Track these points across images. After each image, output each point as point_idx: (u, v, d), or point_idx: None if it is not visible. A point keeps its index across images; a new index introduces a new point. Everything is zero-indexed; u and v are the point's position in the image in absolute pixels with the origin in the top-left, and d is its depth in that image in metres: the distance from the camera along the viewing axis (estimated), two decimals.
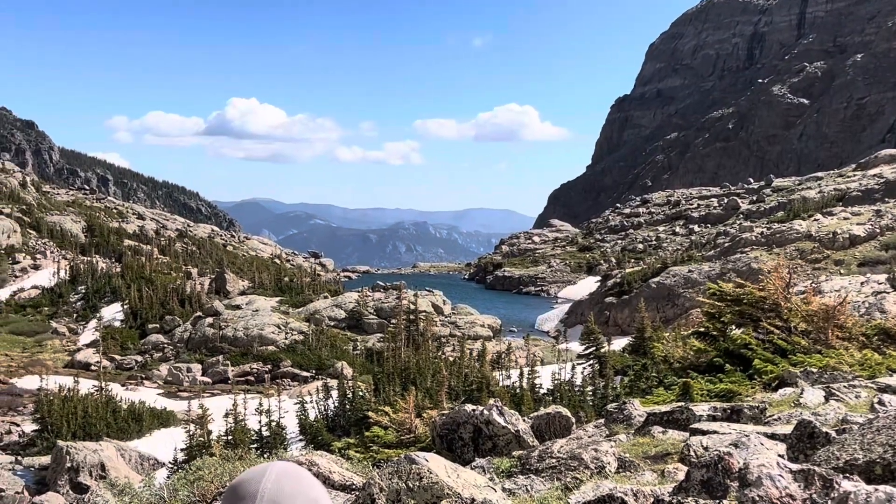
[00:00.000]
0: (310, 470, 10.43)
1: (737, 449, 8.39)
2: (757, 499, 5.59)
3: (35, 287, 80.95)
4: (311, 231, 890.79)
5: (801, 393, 13.26)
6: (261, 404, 35.77)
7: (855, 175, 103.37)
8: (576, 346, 53.63)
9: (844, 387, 13.31)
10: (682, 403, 13.98)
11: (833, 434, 7.87)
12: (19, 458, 36.19)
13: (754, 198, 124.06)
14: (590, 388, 33.14)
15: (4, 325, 68.63)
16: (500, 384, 35.84)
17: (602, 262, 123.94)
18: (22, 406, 46.48)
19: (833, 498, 5.38)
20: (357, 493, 9.36)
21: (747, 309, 21.72)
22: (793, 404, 12.54)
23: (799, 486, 5.57)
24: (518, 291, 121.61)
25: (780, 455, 7.85)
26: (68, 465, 31.36)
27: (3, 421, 42.80)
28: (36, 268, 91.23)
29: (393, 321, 59.22)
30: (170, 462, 33.47)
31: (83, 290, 77.79)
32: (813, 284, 47.59)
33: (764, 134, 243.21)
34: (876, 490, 5.11)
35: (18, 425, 41.77)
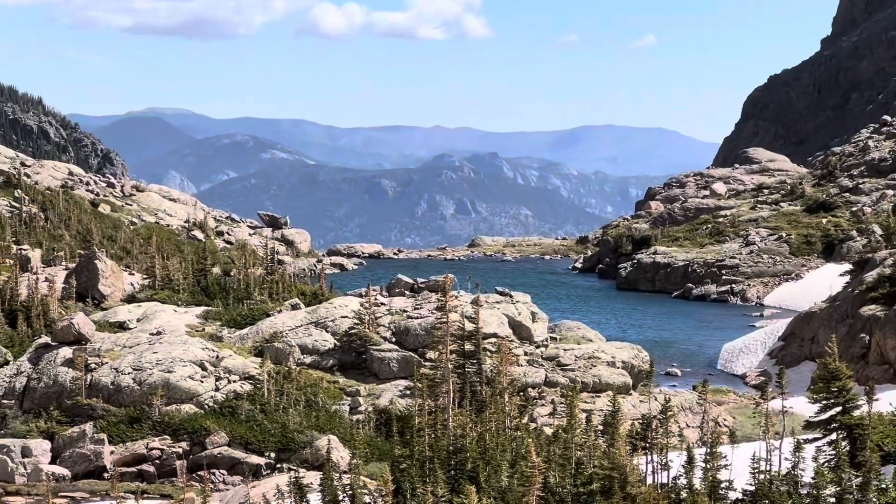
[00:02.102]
0: None
1: None
2: None
3: None
4: (266, 173, 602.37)
5: None
6: None
7: None
8: (801, 405, 40.54)
9: None
10: None
11: None
12: None
13: None
14: (831, 489, 27.39)
15: None
16: (649, 481, 29.93)
17: (854, 233, 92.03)
18: None
19: None
20: None
21: None
22: None
23: None
24: (684, 295, 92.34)
25: None
26: None
27: None
28: None
29: (431, 355, 45.37)
30: None
31: None
32: None
33: None
34: None
35: None
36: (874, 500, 26.64)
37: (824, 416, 33.37)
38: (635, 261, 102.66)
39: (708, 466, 28.63)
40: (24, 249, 68.79)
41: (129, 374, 47.05)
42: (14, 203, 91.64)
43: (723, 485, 28.56)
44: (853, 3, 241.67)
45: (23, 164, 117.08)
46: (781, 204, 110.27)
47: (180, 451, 43.92)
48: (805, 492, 27.92)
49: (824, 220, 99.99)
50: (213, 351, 49.31)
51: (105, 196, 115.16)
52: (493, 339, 47.26)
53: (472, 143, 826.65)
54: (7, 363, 49.03)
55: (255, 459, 43.20)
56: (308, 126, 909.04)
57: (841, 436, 31.73)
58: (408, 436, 33.38)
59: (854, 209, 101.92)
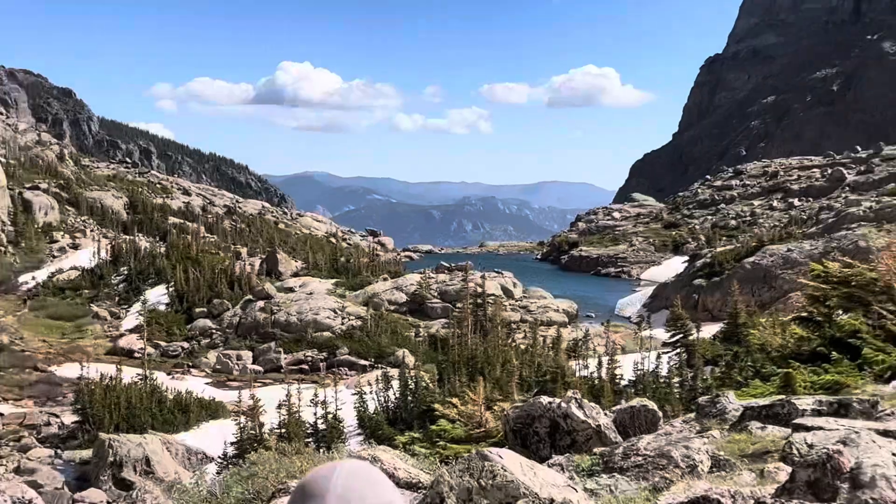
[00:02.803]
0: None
1: (846, 447, 8.24)
2: (871, 501, 5.53)
3: (74, 268, 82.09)
4: (369, 207, 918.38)
5: None
6: (316, 395, 35.21)
7: None
8: (661, 334, 52.50)
9: None
10: (783, 396, 13.72)
11: None
12: (59, 451, 36.54)
13: (862, 168, 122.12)
14: (677, 379, 32.12)
15: (42, 308, 69.79)
16: (577, 374, 34.66)
17: (690, 240, 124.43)
18: (61, 396, 46.65)
19: None
20: (424, 492, 9.42)
21: (856, 291, 20.95)
22: None
23: None
24: (596, 273, 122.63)
25: (894, 454, 7.71)
26: (111, 459, 31.47)
27: (41, 412, 42.91)
28: (75, 247, 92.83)
29: (458, 305, 57.59)
30: (219, 457, 33.42)
31: (125, 272, 78.83)
32: None
33: (873, 96, 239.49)
34: None
35: (58, 416, 41.75)
36: (700, 385, 31.06)
37: (673, 340, 43.21)
38: (570, 255, 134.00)
39: (609, 367, 34.12)
40: (237, 248, 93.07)
41: (294, 315, 63.00)
42: (232, 222, 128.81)
43: (618, 378, 34.04)
44: (690, 113, 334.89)
45: (237, 201, 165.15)
46: (650, 224, 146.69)
47: (322, 357, 58.14)
48: (663, 381, 32.86)
49: (674, 233, 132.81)
50: (340, 303, 65.96)
51: (281, 219, 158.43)
52: (492, 297, 60.45)
53: (482, 190, 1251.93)
54: (229, 310, 66.18)
55: (363, 362, 56.79)
56: (392, 182, 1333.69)
57: (682, 350, 40.03)
58: (446, 349, 44.07)
59: (690, 226, 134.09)
